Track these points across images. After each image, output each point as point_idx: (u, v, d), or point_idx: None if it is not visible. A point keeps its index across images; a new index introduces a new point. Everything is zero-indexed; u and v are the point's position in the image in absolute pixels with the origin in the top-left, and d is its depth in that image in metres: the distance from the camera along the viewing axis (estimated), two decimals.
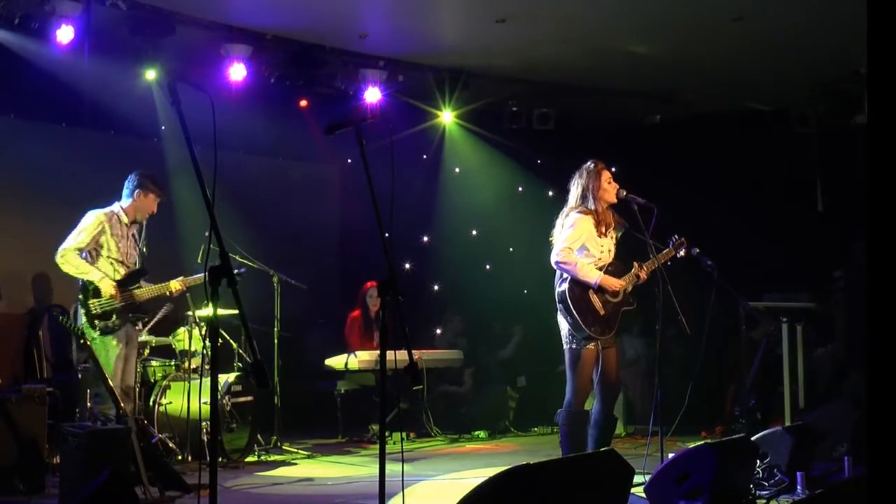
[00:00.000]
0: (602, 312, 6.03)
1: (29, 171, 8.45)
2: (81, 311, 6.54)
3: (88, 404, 6.63)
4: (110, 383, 6.07)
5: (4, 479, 5.94)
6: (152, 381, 7.41)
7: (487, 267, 11.39)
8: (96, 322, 6.51)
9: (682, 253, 6.36)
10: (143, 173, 6.83)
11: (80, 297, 6.57)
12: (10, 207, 8.44)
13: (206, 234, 6.78)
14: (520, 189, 11.28)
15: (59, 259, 6.55)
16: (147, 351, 7.47)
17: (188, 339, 7.39)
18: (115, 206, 6.74)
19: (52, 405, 6.45)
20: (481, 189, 11.24)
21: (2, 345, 7.88)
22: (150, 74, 8.27)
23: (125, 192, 6.79)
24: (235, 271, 6.87)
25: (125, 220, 6.72)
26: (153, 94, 8.61)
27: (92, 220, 6.61)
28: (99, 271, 6.55)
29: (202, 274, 6.64)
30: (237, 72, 8.46)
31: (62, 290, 7.69)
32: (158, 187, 6.86)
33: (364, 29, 8.53)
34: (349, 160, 11.13)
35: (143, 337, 7.33)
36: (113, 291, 6.52)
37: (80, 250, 6.55)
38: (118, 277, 6.62)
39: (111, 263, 6.63)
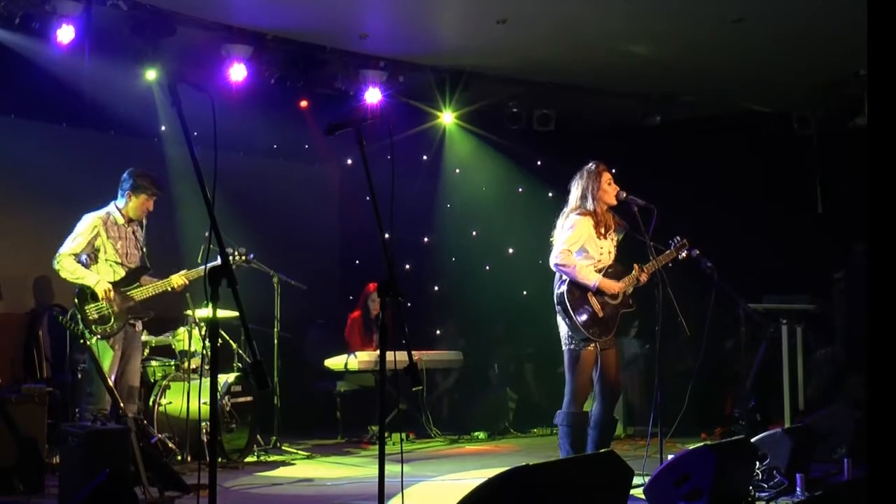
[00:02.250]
0: (601, 314, 6.03)
1: (28, 170, 8.46)
2: (79, 317, 6.47)
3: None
4: (109, 383, 6.07)
5: (4, 479, 5.94)
6: (152, 381, 7.41)
7: (487, 268, 11.39)
8: (94, 327, 6.45)
9: (683, 254, 6.35)
10: (136, 172, 6.74)
11: (76, 301, 6.51)
12: (9, 207, 8.45)
13: (206, 234, 6.77)
14: (520, 190, 11.28)
15: (55, 265, 6.53)
16: (147, 351, 7.47)
17: (188, 339, 7.39)
18: (111, 207, 6.70)
19: (51, 405, 6.45)
20: (481, 190, 11.25)
21: (2, 345, 7.88)
22: (151, 74, 8.27)
23: (119, 191, 6.74)
24: (243, 257, 6.93)
25: (121, 220, 6.68)
26: (153, 94, 8.61)
27: (86, 225, 6.57)
28: (94, 275, 6.51)
29: (203, 266, 6.73)
30: (237, 72, 8.46)
31: (63, 290, 7.68)
32: (154, 185, 6.76)
33: (364, 29, 8.53)
34: (349, 161, 11.14)
35: (144, 337, 7.33)
36: (109, 295, 6.48)
37: (76, 255, 6.52)
38: (117, 279, 6.59)
39: (110, 266, 6.61)
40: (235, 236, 7.33)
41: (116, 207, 6.70)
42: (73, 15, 7.46)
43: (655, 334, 6.37)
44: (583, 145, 9.01)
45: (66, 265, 6.49)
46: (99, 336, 6.43)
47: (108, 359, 6.43)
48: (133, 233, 6.77)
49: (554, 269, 6.09)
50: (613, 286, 6.04)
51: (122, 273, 6.63)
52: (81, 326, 6.42)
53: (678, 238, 6.37)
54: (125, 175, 6.73)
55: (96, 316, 6.46)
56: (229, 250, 6.81)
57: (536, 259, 6.51)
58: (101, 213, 6.66)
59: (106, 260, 6.59)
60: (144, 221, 6.86)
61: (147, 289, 6.70)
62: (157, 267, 6.91)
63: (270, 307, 8.15)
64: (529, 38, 8.61)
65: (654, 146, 10.35)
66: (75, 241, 6.54)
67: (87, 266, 6.55)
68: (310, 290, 8.59)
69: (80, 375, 6.94)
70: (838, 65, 8.87)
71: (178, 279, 6.77)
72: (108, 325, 6.48)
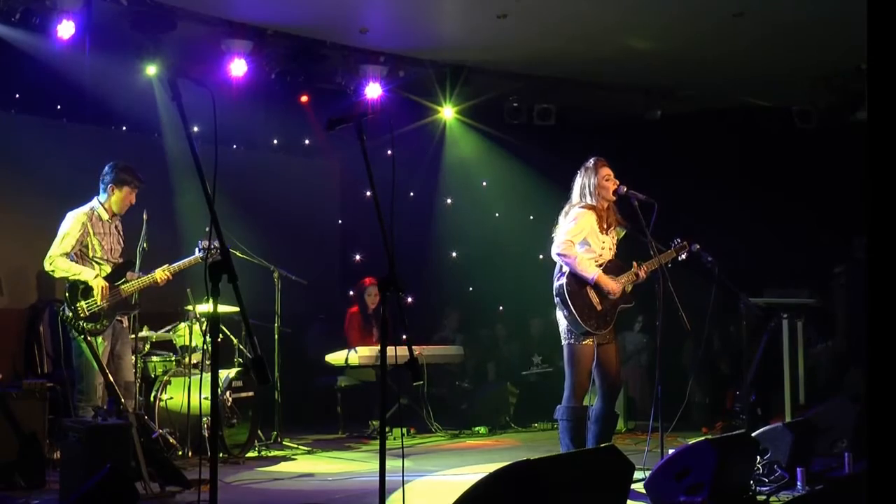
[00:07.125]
0: (599, 308, 6.03)
1: (29, 166, 8.44)
2: (69, 313, 6.42)
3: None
4: (110, 378, 6.06)
5: (5, 474, 5.95)
6: (153, 376, 7.41)
7: (487, 262, 11.38)
8: (85, 325, 6.39)
9: (683, 256, 6.34)
10: (118, 165, 6.64)
11: (67, 297, 6.46)
12: (9, 202, 8.43)
13: (207, 229, 6.76)
14: (520, 185, 11.27)
15: (48, 267, 6.48)
16: (147, 346, 7.47)
17: (188, 334, 7.39)
18: (95, 203, 6.62)
19: (52, 400, 6.45)
20: (481, 185, 11.23)
21: (2, 340, 7.88)
22: (151, 70, 8.26)
23: (101, 186, 6.64)
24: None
25: (105, 216, 6.61)
26: (154, 89, 8.60)
27: (73, 223, 6.49)
28: (91, 270, 6.48)
29: (188, 258, 6.72)
30: (238, 67, 8.45)
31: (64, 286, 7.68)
32: (134, 177, 6.65)
33: (364, 24, 8.53)
34: (350, 156, 11.12)
35: (144, 332, 7.32)
36: (105, 291, 6.43)
37: (67, 254, 6.47)
38: (103, 276, 6.55)
39: (97, 263, 6.57)
40: (236, 231, 7.32)
41: (99, 202, 6.61)
42: (73, 10, 7.45)
43: (657, 329, 6.37)
44: (583, 140, 9.02)
45: (61, 265, 6.44)
46: (89, 333, 6.39)
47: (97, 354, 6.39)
48: (115, 228, 6.71)
49: (555, 258, 6.09)
50: (611, 285, 6.03)
51: (107, 269, 6.57)
52: (78, 321, 6.40)
53: (678, 239, 6.36)
54: (106, 169, 6.63)
55: (87, 313, 6.42)
56: (204, 243, 6.72)
57: (537, 254, 6.51)
58: (86, 209, 6.57)
59: (93, 257, 6.55)
60: (145, 217, 6.81)
61: (133, 284, 6.61)
62: (157, 261, 6.89)
63: (271, 302, 8.14)
64: (530, 32, 8.61)
65: (655, 140, 10.35)
66: (64, 240, 6.47)
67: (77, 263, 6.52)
68: (310, 286, 8.59)
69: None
70: (839, 59, 8.86)
71: (161, 273, 6.68)
72: (98, 322, 6.43)
